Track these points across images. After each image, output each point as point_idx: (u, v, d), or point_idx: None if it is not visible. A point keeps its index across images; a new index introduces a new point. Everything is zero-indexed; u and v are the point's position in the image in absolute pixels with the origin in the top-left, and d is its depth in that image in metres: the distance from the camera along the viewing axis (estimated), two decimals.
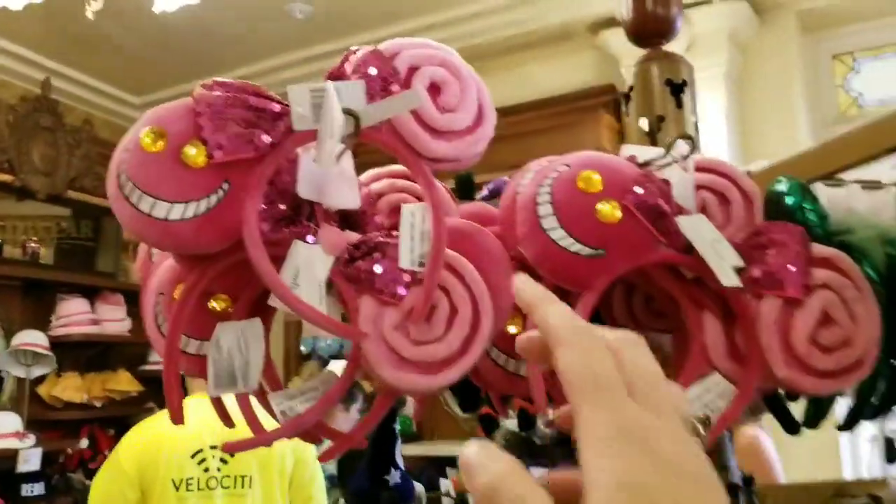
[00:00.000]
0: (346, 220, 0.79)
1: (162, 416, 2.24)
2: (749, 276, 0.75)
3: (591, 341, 0.37)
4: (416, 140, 0.72)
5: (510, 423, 3.68)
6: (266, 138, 0.68)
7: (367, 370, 0.71)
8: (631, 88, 1.06)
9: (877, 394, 0.91)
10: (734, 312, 0.76)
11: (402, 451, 3.89)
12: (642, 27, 1.09)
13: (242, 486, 2.20)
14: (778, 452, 3.26)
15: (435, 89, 0.74)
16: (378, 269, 0.72)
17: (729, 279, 0.73)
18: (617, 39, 3.90)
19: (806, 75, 4.03)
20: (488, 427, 3.31)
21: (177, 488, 2.14)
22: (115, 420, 4.31)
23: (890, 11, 3.85)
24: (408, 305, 0.72)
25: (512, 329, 0.83)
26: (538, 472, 1.12)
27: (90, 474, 4.05)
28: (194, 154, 0.67)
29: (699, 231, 0.74)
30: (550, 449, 3.79)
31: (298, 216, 0.73)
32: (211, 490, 2.18)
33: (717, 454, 0.92)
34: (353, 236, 0.76)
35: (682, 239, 0.75)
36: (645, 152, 0.81)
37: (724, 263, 0.73)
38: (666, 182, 0.77)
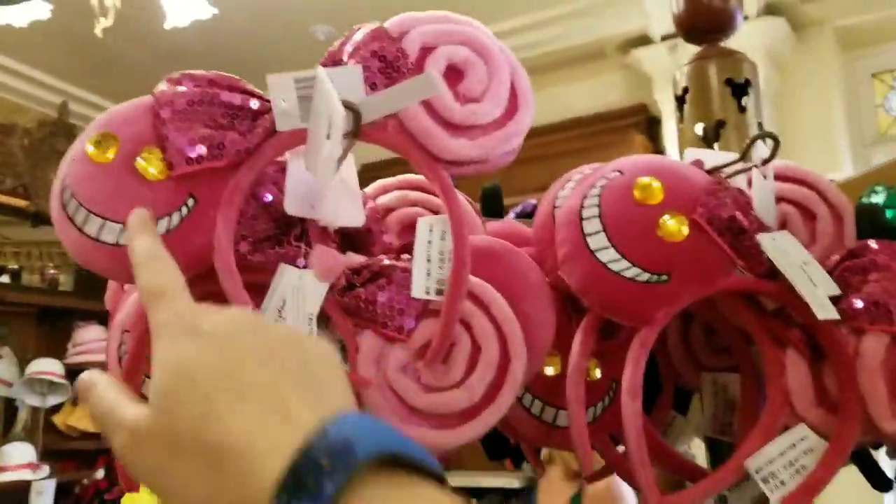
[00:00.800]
0: (349, 240, 0.66)
1: None
2: (848, 306, 0.60)
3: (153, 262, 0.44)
4: (431, 139, 0.58)
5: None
6: (240, 143, 0.55)
7: None
8: (685, 90, 0.92)
9: None
10: (825, 351, 0.61)
11: None
12: (696, 21, 0.96)
13: None
14: None
15: (456, 73, 0.60)
16: (382, 297, 0.58)
17: (825, 311, 0.58)
18: (648, 58, 3.79)
19: (845, 94, 3.89)
20: (519, 460, 3.16)
21: None
22: None
23: None
24: (419, 342, 0.58)
25: (549, 370, 0.69)
26: None
27: None
28: (151, 163, 0.54)
29: (785, 252, 0.60)
30: None
31: (287, 235, 0.60)
32: None
33: None
34: (355, 259, 0.62)
35: (763, 262, 0.60)
36: (713, 157, 0.67)
37: (818, 292, 0.58)
38: (742, 192, 0.63)
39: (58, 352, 3.90)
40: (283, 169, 0.60)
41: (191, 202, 0.54)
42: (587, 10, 3.81)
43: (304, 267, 0.59)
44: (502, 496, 3.83)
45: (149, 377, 0.63)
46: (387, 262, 0.61)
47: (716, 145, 0.89)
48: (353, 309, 0.59)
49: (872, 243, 0.63)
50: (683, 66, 0.93)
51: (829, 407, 0.62)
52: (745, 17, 3.10)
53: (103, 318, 3.73)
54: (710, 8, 0.93)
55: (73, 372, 3.83)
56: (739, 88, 0.90)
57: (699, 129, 0.90)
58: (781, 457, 0.61)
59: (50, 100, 4.25)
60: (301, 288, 0.58)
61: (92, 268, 0.55)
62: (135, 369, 0.60)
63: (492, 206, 0.92)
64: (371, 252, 0.66)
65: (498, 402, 0.59)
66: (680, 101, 0.93)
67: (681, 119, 0.93)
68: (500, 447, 0.95)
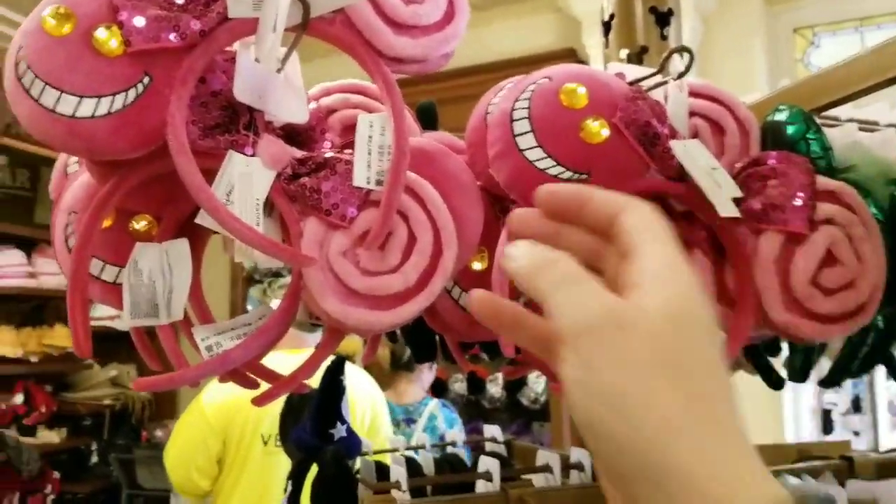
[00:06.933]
0: (291, 137, 0.69)
1: None
2: (748, 208, 0.66)
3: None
4: (376, 35, 0.62)
5: (459, 386, 3.64)
6: (195, 24, 0.58)
7: (310, 303, 0.61)
8: (612, 17, 0.97)
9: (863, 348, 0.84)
10: (726, 251, 0.68)
11: None
12: None
13: None
14: None
15: None
16: (326, 186, 0.62)
17: (727, 209, 0.64)
18: (578, 2, 3.81)
19: (766, 48, 4.00)
20: (437, 390, 3.25)
21: (265, 443, 2.12)
22: (52, 376, 4.15)
23: None
24: (359, 229, 0.62)
25: (477, 265, 0.74)
26: (491, 429, 1.02)
27: (25, 431, 3.90)
28: (108, 39, 0.56)
29: (694, 157, 0.66)
30: (499, 412, 3.75)
31: (235, 124, 0.63)
32: None
33: None
34: (299, 151, 0.66)
35: (673, 166, 0.66)
36: (633, 70, 0.72)
37: (722, 193, 0.65)
38: (659, 103, 0.69)
39: None
40: (232, 59, 0.62)
41: (146, 80, 0.57)
42: None
43: (252, 155, 0.62)
44: None
45: (97, 257, 0.66)
46: (330, 154, 0.64)
47: None
48: (299, 196, 0.62)
49: (773, 153, 0.69)
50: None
51: (727, 303, 0.69)
52: None
53: (23, 243, 3.64)
54: None
55: None
56: (662, 17, 0.95)
57: (623, 54, 0.95)
58: None
59: None
60: (249, 174, 0.61)
61: (48, 139, 0.57)
62: (84, 247, 0.62)
63: (427, 121, 0.96)
64: (313, 149, 0.70)
65: (430, 288, 0.64)
66: (606, 27, 0.98)
67: (606, 45, 0.98)
68: (426, 348, 1.00)
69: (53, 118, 0.56)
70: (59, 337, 4.07)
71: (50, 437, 4.05)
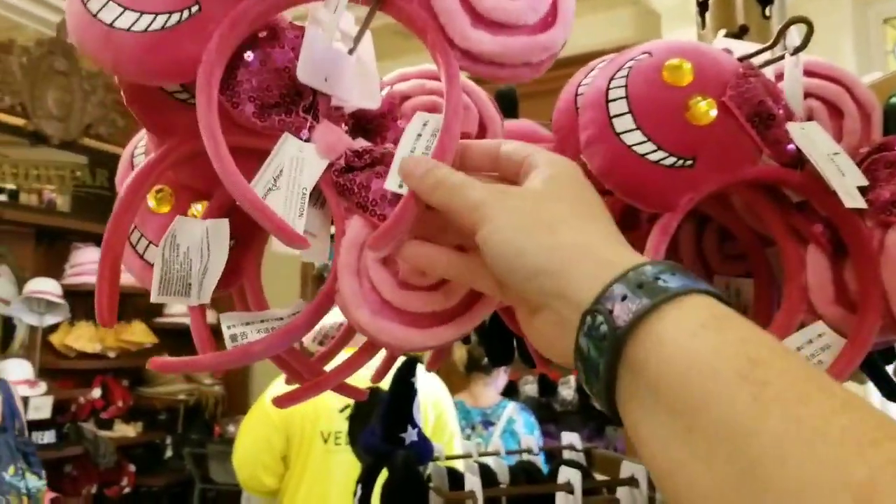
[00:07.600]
0: (362, 125, 0.64)
1: None
2: (875, 198, 0.58)
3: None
4: (451, 20, 0.55)
5: (530, 388, 3.56)
6: None
7: (342, 309, 0.54)
8: None
9: None
10: (846, 246, 0.60)
11: None
12: None
13: None
14: None
15: None
16: (377, 184, 0.54)
17: (853, 199, 0.57)
18: None
19: (856, 40, 3.82)
20: (506, 392, 3.18)
21: (325, 441, 2.12)
22: (129, 371, 4.24)
23: None
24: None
25: None
26: (570, 436, 0.95)
27: (102, 424, 4.00)
28: None
29: (814, 142, 0.58)
30: (571, 415, 3.66)
31: (296, 105, 0.58)
32: None
33: None
34: (360, 143, 0.60)
35: (788, 151, 0.59)
36: (742, 46, 0.65)
37: (846, 181, 0.57)
38: (772, 81, 0.61)
39: (55, 272, 3.90)
40: (302, 36, 0.58)
41: (195, 8, 0.53)
42: None
43: (307, 140, 0.57)
44: None
45: (154, 244, 0.62)
46: (391, 148, 0.58)
47: None
48: (347, 191, 0.55)
49: None
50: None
51: (847, 304, 0.61)
52: None
53: (100, 241, 3.73)
54: None
55: (70, 293, 3.84)
56: None
57: (721, 35, 0.87)
58: (798, 352, 0.60)
59: (48, 18, 4.17)
60: (300, 160, 0.56)
61: (83, 43, 0.55)
62: (126, 210, 0.60)
63: (507, 107, 0.90)
64: (384, 139, 0.64)
65: (475, 312, 0.55)
66: (702, 6, 0.91)
67: (702, 25, 0.90)
68: (503, 351, 0.94)
69: (93, 22, 0.54)
70: (137, 333, 4.16)
71: (126, 430, 4.14)
